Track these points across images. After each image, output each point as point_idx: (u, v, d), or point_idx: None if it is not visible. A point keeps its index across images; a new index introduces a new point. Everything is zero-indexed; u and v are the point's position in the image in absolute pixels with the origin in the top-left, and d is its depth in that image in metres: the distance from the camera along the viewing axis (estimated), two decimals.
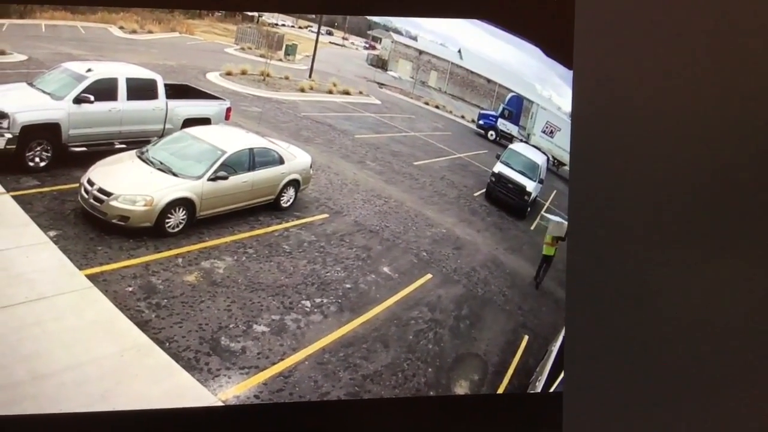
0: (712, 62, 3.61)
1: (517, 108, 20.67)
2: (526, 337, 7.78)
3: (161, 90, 8.75)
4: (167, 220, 6.96)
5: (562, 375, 5.72)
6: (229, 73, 17.45)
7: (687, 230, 3.84)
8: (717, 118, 3.68)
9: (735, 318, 3.72)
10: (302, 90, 18.92)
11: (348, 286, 7.14)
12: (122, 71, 8.45)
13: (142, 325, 5.58)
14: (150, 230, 6.83)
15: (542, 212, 10.46)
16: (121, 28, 17.22)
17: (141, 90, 8.52)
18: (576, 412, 4.08)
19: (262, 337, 5.89)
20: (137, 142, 8.27)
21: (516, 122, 20.74)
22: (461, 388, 6.40)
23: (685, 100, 3.73)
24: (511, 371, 7.03)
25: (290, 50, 27.95)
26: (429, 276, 8.14)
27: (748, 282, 3.62)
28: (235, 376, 5.40)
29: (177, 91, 9.29)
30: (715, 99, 3.73)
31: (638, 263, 4.03)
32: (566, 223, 9.05)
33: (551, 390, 6.11)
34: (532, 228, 12.94)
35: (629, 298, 4.13)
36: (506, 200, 13.64)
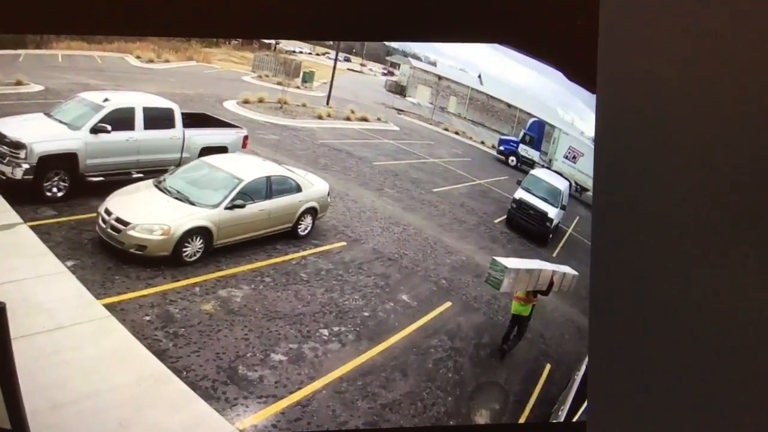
0: (739, 85, 3.69)
1: (538, 133, 20.77)
2: (548, 366, 7.82)
3: (178, 119, 9.01)
4: (184, 249, 7.14)
5: (585, 404, 5.77)
6: (246, 101, 17.87)
7: (715, 256, 3.89)
8: (745, 139, 3.76)
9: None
10: (320, 117, 19.28)
11: (366, 314, 7.27)
12: (139, 101, 8.72)
13: (160, 354, 5.76)
14: (167, 259, 7.02)
15: (494, 258, 7.16)
16: (137, 57, 17.75)
17: (158, 119, 8.76)
18: None
19: (279, 366, 6.03)
20: (154, 171, 8.47)
21: (537, 148, 20.82)
22: (482, 418, 6.46)
23: (712, 125, 3.81)
24: (532, 400, 7.06)
25: (307, 77, 28.48)
26: (448, 304, 8.25)
27: None
28: (252, 405, 5.54)
29: (194, 120, 9.54)
30: (743, 120, 3.82)
31: (664, 290, 4.09)
32: (548, 268, 7.83)
33: (574, 419, 6.14)
34: (554, 255, 12.96)
35: (655, 326, 4.18)
36: (527, 227, 13.48)
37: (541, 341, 8.38)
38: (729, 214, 3.78)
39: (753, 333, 3.78)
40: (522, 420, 6.70)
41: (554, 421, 6.50)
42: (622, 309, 4.10)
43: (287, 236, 8.48)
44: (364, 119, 21.29)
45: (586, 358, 6.52)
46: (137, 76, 14.68)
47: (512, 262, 7.14)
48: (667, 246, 3.98)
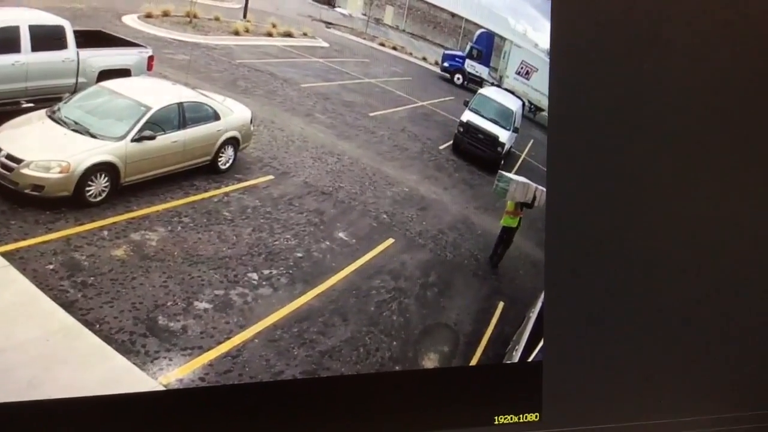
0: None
1: (487, 47, 20.91)
2: (502, 304, 8.25)
3: (71, 38, 8.60)
4: (88, 188, 7.05)
5: (541, 343, 6.20)
6: (149, 15, 17.24)
7: (678, 180, 4.16)
8: (715, 49, 3.95)
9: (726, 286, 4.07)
10: (236, 33, 18.84)
11: (299, 255, 7.47)
12: (24, 17, 8.28)
13: (68, 306, 5.81)
14: (69, 200, 6.93)
15: (500, 171, 9.66)
16: None
17: (47, 39, 8.37)
18: (557, 382, 4.45)
19: (205, 315, 6.20)
20: (47, 99, 8.15)
21: (486, 63, 21.02)
22: (430, 362, 6.85)
23: (681, 32, 3.96)
24: (485, 341, 7.50)
25: None
26: (391, 241, 8.56)
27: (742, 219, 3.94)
28: (176, 358, 5.72)
29: (89, 39, 9.13)
30: (714, 30, 4.00)
31: (624, 221, 4.36)
32: (534, 185, 8.90)
33: (530, 359, 6.59)
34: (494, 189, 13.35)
35: (614, 258, 4.46)
36: (477, 153, 13.84)
37: (494, 278, 8.86)
38: (697, 134, 4.03)
39: (710, 266, 4.08)
40: (474, 362, 7.12)
41: (508, 362, 6.94)
42: (580, 241, 4.31)
43: (206, 171, 8.49)
44: (288, 35, 20.93)
45: (542, 295, 6.96)
46: None
47: (512, 175, 9.25)
48: (628, 173, 4.22)
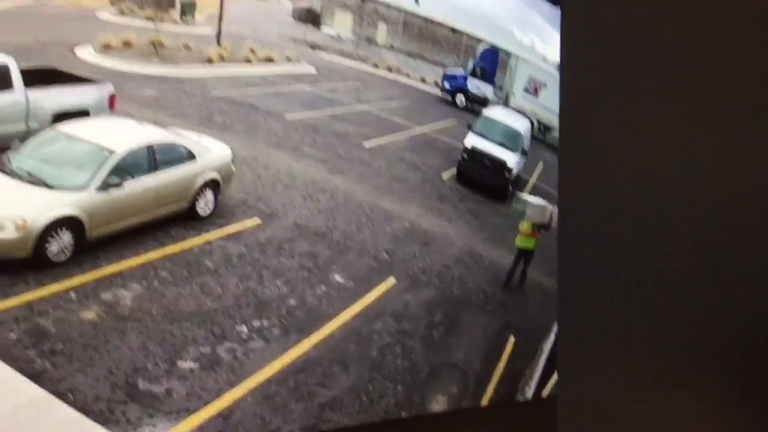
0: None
1: (491, 63, 21.55)
2: (512, 338, 8.66)
3: (16, 77, 8.91)
4: (48, 247, 7.24)
5: (555, 377, 6.47)
6: (107, 47, 17.80)
7: (701, 200, 4.48)
8: (734, 65, 4.31)
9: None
10: (210, 61, 19.45)
11: (293, 302, 7.81)
12: None
13: (36, 377, 6.05)
14: (28, 261, 7.13)
15: (518, 193, 11.21)
16: None
17: None
18: (572, 418, 4.71)
19: (190, 375, 6.49)
20: None
21: (491, 81, 21.63)
22: (438, 405, 7.14)
23: (702, 45, 4.32)
24: (496, 379, 7.84)
25: (187, 8, 28.48)
26: (392, 280, 8.95)
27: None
28: (161, 422, 5.99)
29: (39, 77, 9.40)
30: (732, 42, 4.37)
31: (643, 248, 4.67)
32: (550, 206, 9.87)
33: (544, 395, 6.89)
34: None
35: (633, 286, 4.76)
36: (483, 180, 14.45)
37: (504, 311, 9.24)
38: (724, 152, 4.23)
39: (742, 295, 4.25)
40: (485, 402, 7.46)
41: (521, 398, 7.24)
42: (595, 268, 4.43)
43: (184, 218, 8.85)
44: (270, 60, 21.57)
45: (555, 326, 7.27)
46: None
47: (529, 197, 10.84)
48: (647, 197, 4.38)
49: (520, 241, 10.15)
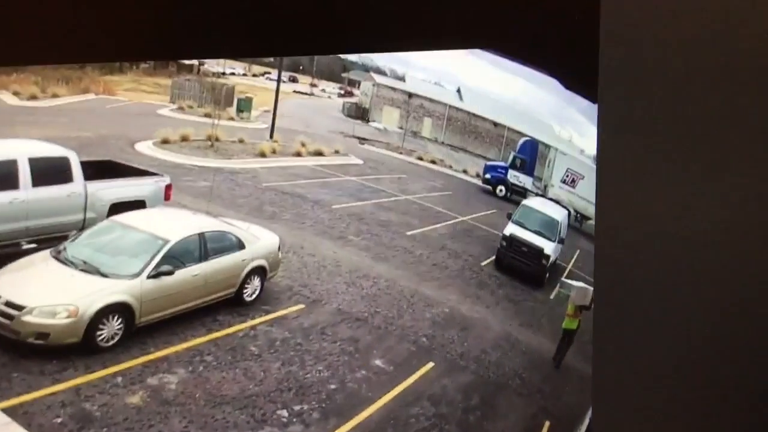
0: (756, 101, 4.17)
1: (530, 155, 21.78)
2: (548, 423, 8.45)
3: (77, 170, 9.00)
4: (99, 333, 7.24)
5: None
6: (165, 141, 18.28)
7: (733, 290, 4.36)
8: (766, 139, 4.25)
9: None
10: (262, 155, 19.86)
11: (333, 386, 7.70)
12: (22, 150, 8.60)
13: None
14: (78, 347, 7.13)
15: (563, 278, 11.92)
16: (15, 93, 17.89)
17: (50, 172, 8.69)
18: None
19: None
20: (51, 238, 8.50)
21: (530, 173, 21.83)
22: None
23: (731, 138, 4.30)
24: None
25: (243, 105, 29.23)
26: (431, 365, 8.82)
27: None
28: None
29: (99, 170, 9.59)
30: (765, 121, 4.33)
31: (678, 333, 4.54)
32: (591, 289, 9.89)
33: None
34: (551, 297, 13.71)
35: (666, 373, 4.62)
36: (521, 267, 14.63)
37: (539, 396, 9.03)
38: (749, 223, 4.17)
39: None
40: None
41: None
42: (630, 354, 4.35)
43: (231, 303, 8.89)
44: (319, 153, 21.96)
45: (590, 411, 7.03)
46: (17, 118, 14.93)
47: (572, 281, 11.66)
48: (682, 279, 4.33)
49: (566, 323, 10.54)
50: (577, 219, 19.16)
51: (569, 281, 11.84)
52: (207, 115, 22.09)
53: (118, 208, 9.21)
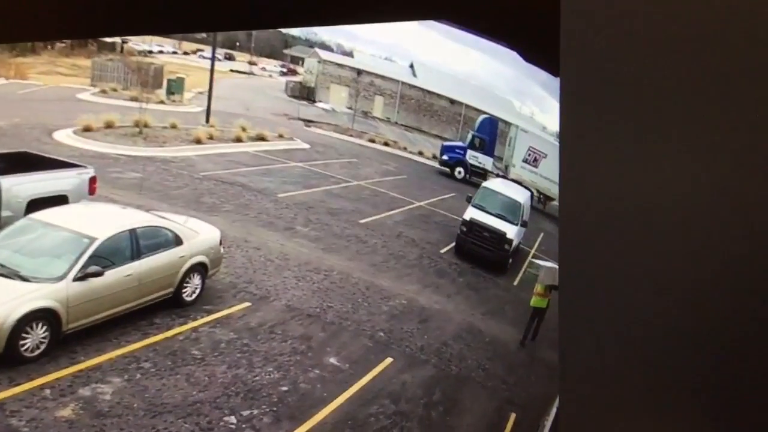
0: (722, 70, 4.30)
1: (490, 134, 22.02)
2: (513, 415, 8.60)
3: None
4: (22, 342, 7.07)
5: None
6: (87, 129, 17.93)
7: (700, 269, 4.49)
8: (744, 126, 4.36)
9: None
10: (198, 141, 19.65)
11: (284, 388, 7.71)
12: None
13: None
14: (0, 358, 6.92)
15: (530, 258, 11.85)
16: None
17: None
18: None
19: None
20: None
21: (490, 152, 22.10)
22: None
23: (704, 113, 4.42)
24: None
25: (174, 87, 28.90)
26: (389, 360, 8.91)
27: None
28: None
29: (13, 163, 9.36)
30: (740, 98, 4.43)
31: (646, 318, 4.66)
32: None
33: None
34: (515, 283, 13.98)
35: (633, 358, 4.75)
36: (482, 253, 14.93)
37: (504, 388, 9.20)
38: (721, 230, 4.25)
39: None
40: None
41: None
42: (598, 339, 4.48)
43: (169, 305, 8.82)
44: (261, 138, 21.88)
45: (556, 400, 7.17)
46: None
47: (541, 261, 12.62)
48: (653, 268, 4.43)
49: (534, 301, 11.17)
50: (540, 200, 19.45)
51: (539, 261, 12.78)
52: (133, 99, 21.82)
53: (37, 204, 8.93)
